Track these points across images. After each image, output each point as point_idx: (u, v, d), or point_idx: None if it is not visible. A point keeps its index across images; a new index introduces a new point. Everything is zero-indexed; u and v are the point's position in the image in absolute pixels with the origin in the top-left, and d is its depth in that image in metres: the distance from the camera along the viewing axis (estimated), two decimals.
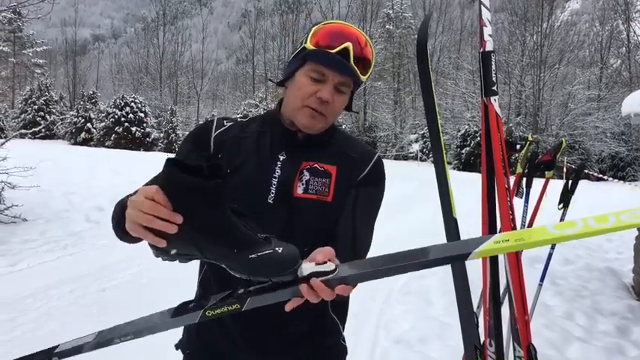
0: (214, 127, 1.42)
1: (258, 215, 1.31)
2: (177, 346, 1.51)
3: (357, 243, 1.31)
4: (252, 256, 0.97)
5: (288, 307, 1.02)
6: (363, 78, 1.34)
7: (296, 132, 1.38)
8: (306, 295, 0.98)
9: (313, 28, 1.31)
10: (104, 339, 1.11)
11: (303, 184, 1.33)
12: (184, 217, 0.96)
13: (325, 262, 1.00)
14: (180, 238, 0.97)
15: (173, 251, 1.00)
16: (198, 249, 0.99)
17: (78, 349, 1.13)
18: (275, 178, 1.33)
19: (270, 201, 1.32)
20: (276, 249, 0.98)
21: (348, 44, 1.26)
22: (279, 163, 1.35)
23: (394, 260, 0.95)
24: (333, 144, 1.42)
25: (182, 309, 1.08)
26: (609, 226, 0.85)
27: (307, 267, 0.98)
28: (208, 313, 1.04)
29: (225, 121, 1.45)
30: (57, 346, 1.16)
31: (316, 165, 1.35)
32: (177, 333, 1.50)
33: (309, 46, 1.28)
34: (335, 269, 0.96)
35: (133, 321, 1.11)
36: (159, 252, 1.02)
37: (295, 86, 1.33)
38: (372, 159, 1.42)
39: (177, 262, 1.05)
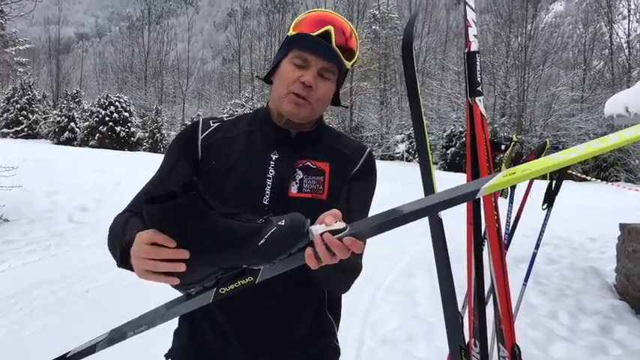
0: (200, 129, 1.40)
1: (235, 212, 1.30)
2: (167, 356, 1.45)
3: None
4: (261, 242, 0.95)
5: (313, 266, 0.97)
6: (348, 64, 1.33)
7: (288, 130, 1.36)
8: (322, 255, 0.94)
9: (297, 18, 1.32)
10: (117, 334, 1.09)
11: (297, 183, 1.31)
12: (181, 242, 0.96)
13: (335, 223, 0.98)
14: (191, 267, 0.97)
15: (191, 280, 1.00)
16: (213, 265, 0.99)
17: (91, 349, 1.11)
18: (269, 178, 1.31)
19: (266, 202, 1.30)
20: (279, 224, 0.97)
21: (330, 27, 1.26)
22: (272, 162, 1.33)
23: (403, 210, 0.93)
24: (324, 141, 1.41)
25: (193, 295, 1.06)
26: (612, 143, 0.84)
27: (318, 228, 0.96)
28: (222, 290, 1.01)
29: (211, 122, 1.42)
30: (67, 353, 1.13)
31: (309, 163, 1.34)
32: (166, 343, 1.48)
33: (291, 32, 1.29)
34: (346, 227, 0.94)
35: (145, 313, 1.09)
36: (183, 288, 1.02)
37: (280, 75, 1.32)
38: (364, 154, 1.41)
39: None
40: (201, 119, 1.44)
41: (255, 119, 1.43)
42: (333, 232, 0.95)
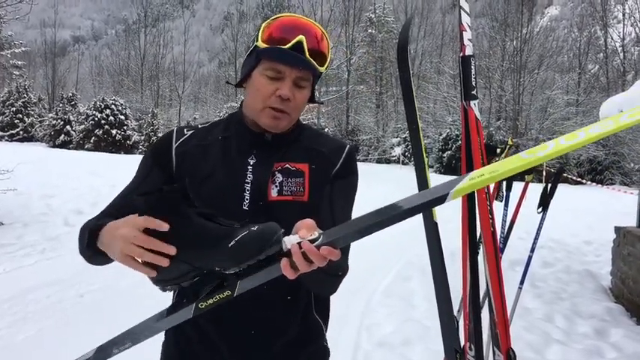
0: (174, 138, 1.38)
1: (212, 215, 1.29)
2: None
3: None
4: (232, 243, 0.96)
5: (290, 276, 0.96)
6: (322, 69, 1.30)
7: (263, 133, 1.34)
8: (299, 264, 0.94)
9: (264, 23, 1.28)
10: (103, 352, 1.09)
11: (276, 187, 1.30)
12: (159, 236, 0.98)
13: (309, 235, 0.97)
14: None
15: (167, 277, 1.01)
16: (185, 262, 1.00)
17: None
18: (247, 183, 1.29)
19: (246, 207, 1.28)
20: (252, 229, 0.97)
21: (301, 37, 1.23)
22: (249, 167, 1.31)
23: (375, 217, 0.93)
24: (302, 141, 1.39)
25: (175, 307, 1.07)
26: (579, 141, 0.87)
27: (292, 238, 0.96)
28: (201, 305, 1.02)
29: (185, 130, 1.41)
30: None
31: (288, 165, 1.32)
32: (154, 356, 1.46)
33: (261, 44, 1.25)
34: (319, 236, 0.94)
35: (129, 329, 1.09)
36: (158, 284, 1.04)
37: (254, 87, 1.30)
38: (344, 151, 1.39)
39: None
40: (175, 128, 1.42)
41: (230, 125, 1.41)
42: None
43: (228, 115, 1.47)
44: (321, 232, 0.96)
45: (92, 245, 1.14)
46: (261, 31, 1.27)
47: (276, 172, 1.31)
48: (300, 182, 1.31)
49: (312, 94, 1.39)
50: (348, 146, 1.42)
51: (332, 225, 1.28)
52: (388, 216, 0.92)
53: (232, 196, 1.29)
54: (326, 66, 1.33)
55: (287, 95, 1.25)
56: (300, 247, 0.93)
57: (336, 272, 1.23)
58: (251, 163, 1.32)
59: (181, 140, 1.38)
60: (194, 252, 0.99)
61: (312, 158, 1.35)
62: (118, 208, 1.30)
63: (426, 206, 0.92)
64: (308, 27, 1.27)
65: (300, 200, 1.30)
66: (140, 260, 1.00)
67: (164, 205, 0.99)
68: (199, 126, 1.44)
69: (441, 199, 0.91)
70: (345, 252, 1.32)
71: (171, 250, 0.97)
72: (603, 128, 0.87)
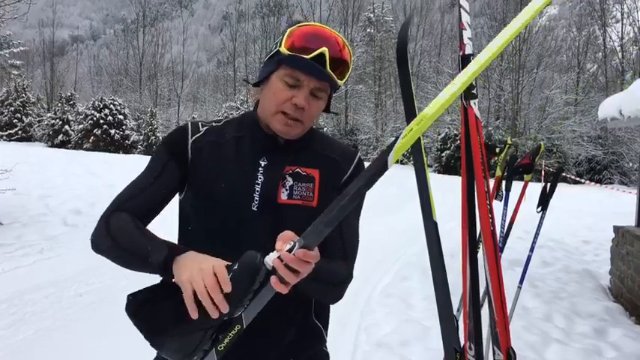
0: (190, 131, 1.37)
1: (242, 224, 1.29)
2: None
3: (347, 246, 1.30)
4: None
5: (283, 291, 0.99)
6: (341, 82, 1.29)
7: (276, 136, 1.34)
8: (286, 276, 0.95)
9: (288, 30, 1.27)
10: None
11: (287, 190, 1.30)
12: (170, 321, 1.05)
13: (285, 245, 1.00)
14: (179, 337, 1.04)
15: (187, 350, 1.03)
16: (199, 329, 1.03)
17: None
18: (258, 185, 1.30)
19: (255, 209, 1.29)
20: (234, 268, 1.00)
21: (324, 49, 1.22)
22: (260, 169, 1.31)
23: (336, 203, 0.95)
24: (313, 147, 1.39)
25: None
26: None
27: (272, 255, 0.98)
28: (220, 347, 1.03)
29: (200, 125, 1.40)
30: None
31: (299, 170, 1.32)
32: None
33: (284, 50, 1.24)
34: (294, 244, 0.95)
35: None
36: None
37: (270, 90, 1.29)
38: (354, 160, 1.41)
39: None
40: (189, 123, 1.41)
41: (243, 125, 1.41)
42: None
43: (241, 114, 1.47)
44: (297, 239, 0.97)
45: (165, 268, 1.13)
46: (285, 36, 1.26)
47: (287, 176, 1.31)
48: (310, 187, 1.32)
49: (328, 104, 1.39)
50: (358, 154, 1.44)
51: (339, 238, 1.29)
52: (348, 197, 0.94)
53: (242, 196, 1.29)
54: (346, 78, 1.32)
55: (302, 104, 1.25)
56: (282, 260, 0.95)
57: (334, 280, 1.23)
58: (262, 165, 1.32)
59: (197, 135, 1.37)
60: (203, 316, 1.01)
61: (323, 165, 1.36)
62: (146, 196, 1.30)
63: (374, 176, 0.95)
64: (332, 38, 1.26)
65: (309, 205, 1.31)
66: (193, 295, 1.01)
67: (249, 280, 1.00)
68: (213, 124, 1.43)
69: (384, 166, 0.95)
70: (349, 259, 1.32)
71: (224, 309, 0.99)
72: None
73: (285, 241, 0.97)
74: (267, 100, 1.31)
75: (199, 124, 1.41)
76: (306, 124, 1.32)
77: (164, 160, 1.34)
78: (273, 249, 1.00)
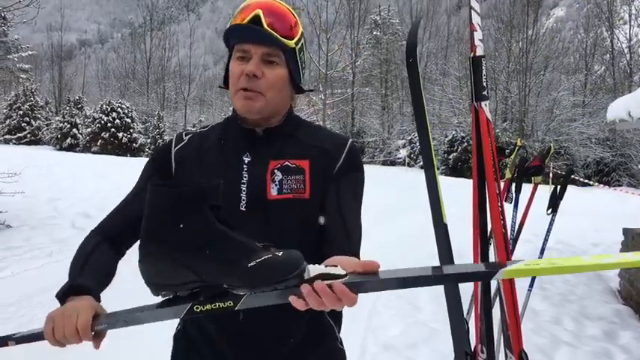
0: (174, 143, 1.38)
1: (231, 227, 1.28)
2: None
3: (351, 234, 1.25)
4: (252, 264, 0.90)
5: (300, 307, 0.93)
6: (290, 42, 1.27)
7: (253, 129, 1.32)
8: (307, 296, 0.89)
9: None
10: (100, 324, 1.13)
11: (276, 185, 1.27)
12: (171, 233, 0.93)
13: (336, 266, 0.92)
14: (172, 265, 0.94)
15: (167, 281, 0.97)
16: (193, 271, 0.94)
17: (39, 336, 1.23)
18: (243, 183, 1.27)
19: (243, 209, 1.26)
20: (276, 254, 0.91)
21: (257, 11, 1.22)
22: (244, 166, 1.29)
23: (408, 274, 0.90)
24: (300, 137, 1.36)
25: (169, 302, 1.02)
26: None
27: (315, 268, 0.91)
28: (196, 308, 0.96)
29: (184, 135, 1.41)
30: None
31: (287, 163, 1.29)
32: None
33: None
34: (346, 275, 0.88)
35: (126, 310, 1.10)
36: (152, 285, 1.00)
37: (229, 76, 1.30)
38: (346, 146, 1.35)
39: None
40: (175, 134, 1.42)
41: (227, 126, 1.40)
42: (330, 276, 0.90)
43: (226, 117, 1.45)
44: (347, 272, 0.91)
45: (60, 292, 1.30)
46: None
47: (276, 171, 1.28)
48: (300, 179, 1.28)
49: (293, 76, 1.34)
50: (349, 141, 1.38)
51: (342, 228, 1.25)
52: (426, 275, 0.89)
53: (228, 197, 1.24)
54: (296, 40, 1.30)
55: (252, 71, 1.23)
56: (313, 289, 0.90)
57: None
58: (246, 162, 1.30)
59: (180, 145, 1.37)
60: (205, 262, 0.93)
61: (313, 155, 1.32)
62: (124, 214, 1.34)
63: (471, 277, 0.92)
64: (265, 3, 1.26)
65: (301, 198, 1.27)
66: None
67: (195, 200, 0.93)
68: (198, 130, 1.43)
69: (488, 276, 0.90)
70: (356, 256, 1.29)
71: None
72: None
73: (341, 263, 0.94)
74: (229, 87, 1.31)
75: (183, 134, 1.42)
76: (268, 95, 1.27)
77: (149, 175, 1.37)
78: (269, 246, 0.95)
